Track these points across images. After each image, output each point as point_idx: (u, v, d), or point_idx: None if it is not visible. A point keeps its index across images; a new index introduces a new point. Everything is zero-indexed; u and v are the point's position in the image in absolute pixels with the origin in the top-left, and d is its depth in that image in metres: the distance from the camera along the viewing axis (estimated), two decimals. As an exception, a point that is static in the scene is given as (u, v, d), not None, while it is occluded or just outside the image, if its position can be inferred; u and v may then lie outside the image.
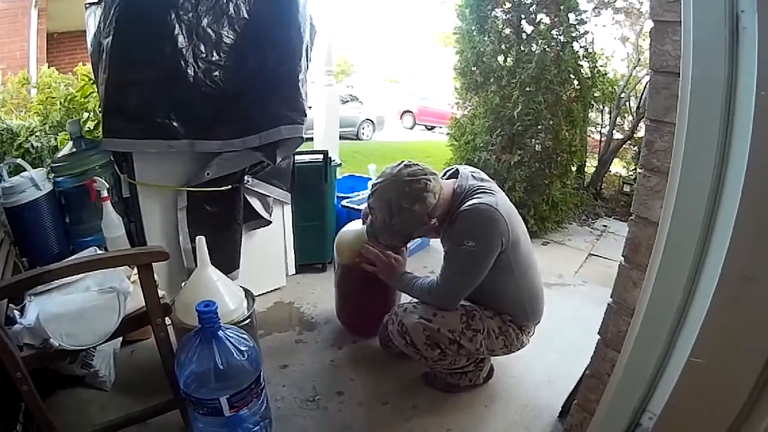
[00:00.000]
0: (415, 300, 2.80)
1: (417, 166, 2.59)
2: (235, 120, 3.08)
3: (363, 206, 3.19)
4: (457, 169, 2.78)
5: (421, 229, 2.67)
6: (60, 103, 4.30)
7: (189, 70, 2.87)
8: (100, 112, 3.58)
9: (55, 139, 4.07)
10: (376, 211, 2.63)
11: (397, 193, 2.52)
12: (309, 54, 3.36)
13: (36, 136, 4.02)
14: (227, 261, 3.35)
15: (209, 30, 2.90)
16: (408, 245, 3.03)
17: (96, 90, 3.66)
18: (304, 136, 3.26)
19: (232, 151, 3.13)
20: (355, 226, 3.25)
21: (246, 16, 2.99)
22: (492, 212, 2.48)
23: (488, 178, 2.78)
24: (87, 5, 3.18)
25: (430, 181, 2.54)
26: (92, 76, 3.69)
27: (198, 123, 3.01)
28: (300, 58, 3.14)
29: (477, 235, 2.49)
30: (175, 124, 2.95)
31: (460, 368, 2.82)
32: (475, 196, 2.57)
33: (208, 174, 3.14)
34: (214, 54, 2.94)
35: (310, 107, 3.23)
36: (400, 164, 2.61)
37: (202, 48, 2.89)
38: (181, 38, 2.82)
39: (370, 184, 2.90)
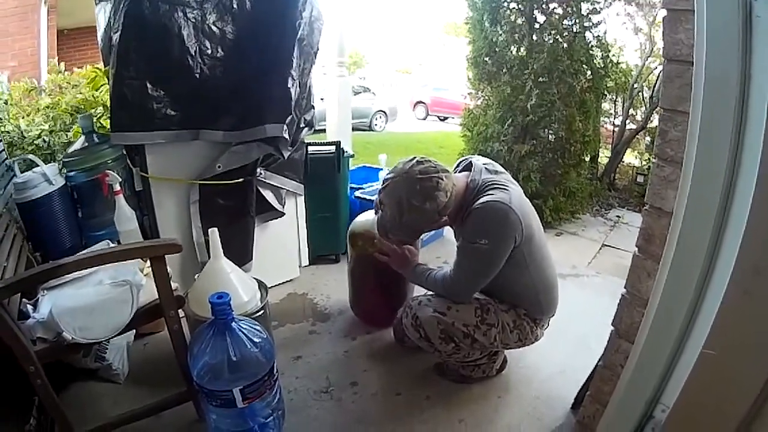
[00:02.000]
0: (430, 293, 2.79)
1: (429, 163, 2.54)
2: (236, 113, 3.10)
3: (375, 197, 3.20)
4: (470, 162, 2.75)
5: (432, 226, 2.66)
6: (67, 104, 4.33)
7: (195, 66, 2.91)
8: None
9: (66, 135, 4.08)
10: (386, 207, 2.60)
11: (408, 190, 2.48)
12: (312, 48, 3.35)
13: (46, 136, 4.04)
14: (240, 253, 3.36)
15: (214, 27, 2.93)
16: (422, 236, 3.04)
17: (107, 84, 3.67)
18: (286, 135, 3.23)
19: (242, 143, 3.15)
20: (368, 216, 3.24)
21: (249, 9, 3.01)
22: (505, 210, 2.43)
23: (502, 170, 2.76)
24: (97, 1, 3.19)
25: (442, 179, 2.50)
26: (103, 70, 3.71)
27: (203, 114, 3.05)
28: (291, 53, 3.13)
29: (490, 233, 2.46)
30: (180, 115, 2.99)
31: (473, 361, 2.82)
32: (488, 192, 2.53)
33: (219, 167, 3.15)
34: (219, 50, 2.97)
35: (322, 99, 3.22)
36: (412, 160, 2.57)
37: (208, 44, 2.93)
38: (187, 34, 2.85)
39: (381, 176, 2.89)
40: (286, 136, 3.18)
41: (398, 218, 2.55)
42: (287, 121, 3.16)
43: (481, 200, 2.49)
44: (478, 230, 2.47)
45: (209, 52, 2.93)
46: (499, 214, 2.44)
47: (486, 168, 2.70)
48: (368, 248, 3.13)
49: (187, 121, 3.02)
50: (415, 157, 2.59)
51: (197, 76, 2.92)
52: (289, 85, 3.12)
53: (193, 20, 2.85)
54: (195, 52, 2.89)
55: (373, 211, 3.16)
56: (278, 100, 3.13)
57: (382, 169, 3.91)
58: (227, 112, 3.09)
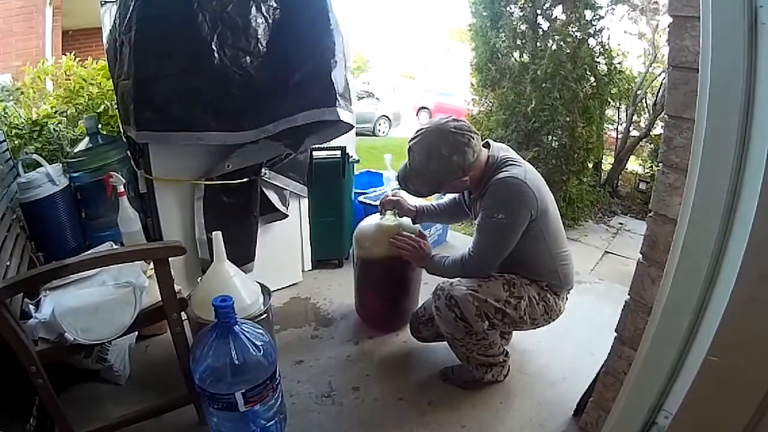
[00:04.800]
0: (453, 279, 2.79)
1: (463, 122, 2.63)
2: (268, 106, 3.02)
3: (379, 201, 3.21)
4: (488, 141, 2.81)
5: (452, 184, 2.68)
6: (81, 88, 4.33)
7: (215, 58, 2.82)
8: (115, 107, 3.59)
9: (74, 130, 4.08)
10: (414, 153, 2.65)
11: (440, 139, 2.56)
12: (345, 50, 3.30)
13: (56, 127, 4.03)
14: (243, 253, 3.37)
15: (235, 16, 2.84)
16: (428, 236, 3.06)
17: (112, 86, 3.66)
18: (352, 121, 3.18)
19: (252, 143, 3.10)
20: (374, 219, 3.26)
21: (275, 3, 2.95)
22: (520, 185, 2.52)
23: (514, 153, 2.83)
24: (102, 2, 3.19)
25: (473, 138, 2.59)
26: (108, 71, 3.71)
27: (229, 113, 2.96)
28: (334, 45, 3.06)
29: (506, 208, 2.54)
30: (205, 115, 2.93)
31: (492, 356, 2.83)
32: (504, 168, 2.62)
33: (228, 166, 3.15)
34: (242, 40, 2.88)
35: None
36: (448, 117, 2.67)
37: (229, 34, 2.84)
38: (205, 26, 2.78)
39: (386, 176, 2.89)
40: (348, 120, 3.14)
41: (424, 164, 2.61)
42: (344, 105, 3.12)
43: (498, 176, 2.58)
44: (495, 205, 2.56)
45: (230, 42, 2.85)
46: (514, 189, 2.53)
47: (501, 148, 2.79)
48: (374, 251, 3.14)
49: (212, 122, 2.95)
50: (451, 116, 2.69)
51: (219, 68, 2.85)
52: (338, 70, 3.07)
53: (211, 10, 2.79)
54: (215, 43, 2.82)
55: (378, 215, 3.18)
56: (328, 85, 3.04)
57: (386, 171, 3.91)
58: (258, 108, 3.01)
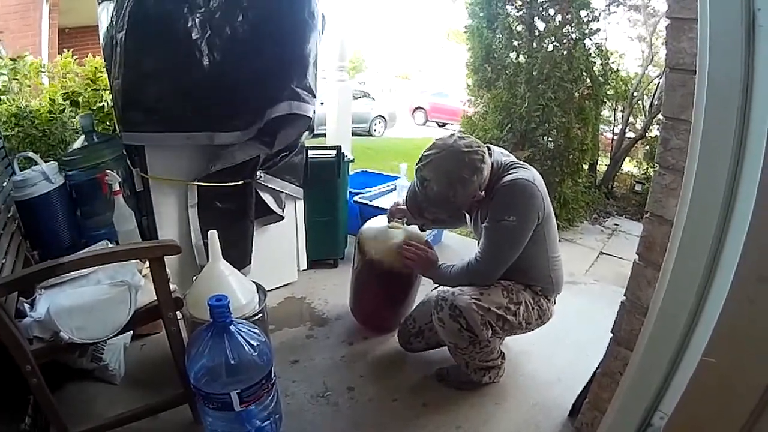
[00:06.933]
0: (452, 288, 2.76)
1: (469, 138, 2.61)
2: (252, 109, 3.06)
3: (390, 204, 3.20)
4: (489, 146, 2.76)
5: (470, 203, 2.67)
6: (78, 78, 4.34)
7: (204, 62, 2.87)
8: (111, 105, 3.58)
9: (72, 123, 4.08)
10: (432, 183, 2.57)
11: (457, 163, 2.51)
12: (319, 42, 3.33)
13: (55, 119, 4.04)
14: (240, 256, 3.35)
15: (223, 21, 2.88)
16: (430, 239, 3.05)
17: (108, 84, 3.66)
18: (312, 115, 3.23)
19: (233, 144, 3.12)
20: (378, 222, 3.26)
21: (258, 5, 2.97)
22: (531, 187, 2.51)
23: (513, 157, 2.81)
24: (99, 0, 3.18)
25: (485, 152, 2.57)
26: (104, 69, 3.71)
27: (215, 115, 3.01)
28: (308, 41, 3.11)
29: (517, 210, 2.52)
30: (192, 116, 2.95)
31: (491, 361, 2.83)
32: (512, 171, 2.60)
33: (212, 167, 3.14)
34: (229, 44, 2.92)
35: (322, 103, 3.20)
36: (452, 136, 2.62)
37: (217, 41, 2.88)
38: (195, 31, 2.81)
39: (399, 183, 2.88)
40: (310, 114, 3.20)
41: (449, 192, 2.55)
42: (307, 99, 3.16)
43: (507, 178, 2.56)
44: (506, 207, 2.53)
45: (219, 46, 2.89)
46: (525, 191, 2.52)
47: (502, 152, 2.77)
48: (379, 257, 3.11)
49: (199, 123, 2.99)
50: (453, 133, 2.68)
51: (207, 71, 2.89)
52: (309, 67, 3.14)
53: (200, 15, 2.81)
54: (204, 47, 2.85)
55: (383, 217, 3.18)
56: (299, 79, 3.11)
57: (399, 177, 3.91)
58: (242, 111, 3.06)
